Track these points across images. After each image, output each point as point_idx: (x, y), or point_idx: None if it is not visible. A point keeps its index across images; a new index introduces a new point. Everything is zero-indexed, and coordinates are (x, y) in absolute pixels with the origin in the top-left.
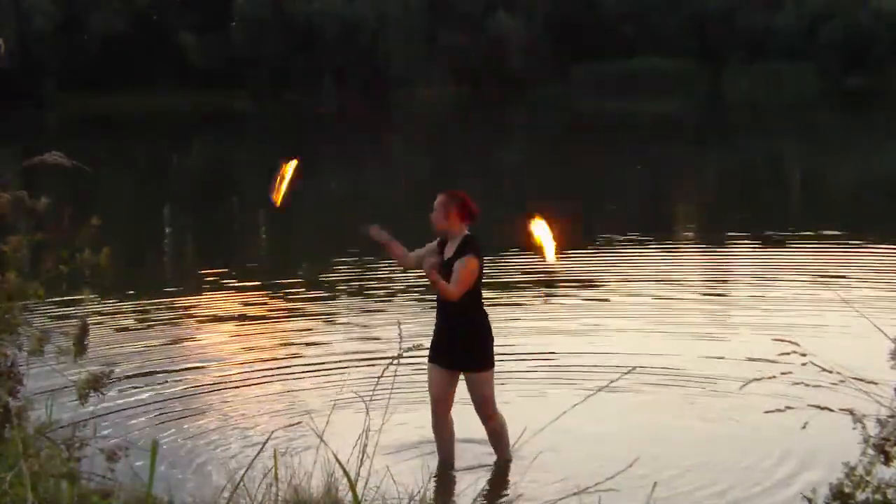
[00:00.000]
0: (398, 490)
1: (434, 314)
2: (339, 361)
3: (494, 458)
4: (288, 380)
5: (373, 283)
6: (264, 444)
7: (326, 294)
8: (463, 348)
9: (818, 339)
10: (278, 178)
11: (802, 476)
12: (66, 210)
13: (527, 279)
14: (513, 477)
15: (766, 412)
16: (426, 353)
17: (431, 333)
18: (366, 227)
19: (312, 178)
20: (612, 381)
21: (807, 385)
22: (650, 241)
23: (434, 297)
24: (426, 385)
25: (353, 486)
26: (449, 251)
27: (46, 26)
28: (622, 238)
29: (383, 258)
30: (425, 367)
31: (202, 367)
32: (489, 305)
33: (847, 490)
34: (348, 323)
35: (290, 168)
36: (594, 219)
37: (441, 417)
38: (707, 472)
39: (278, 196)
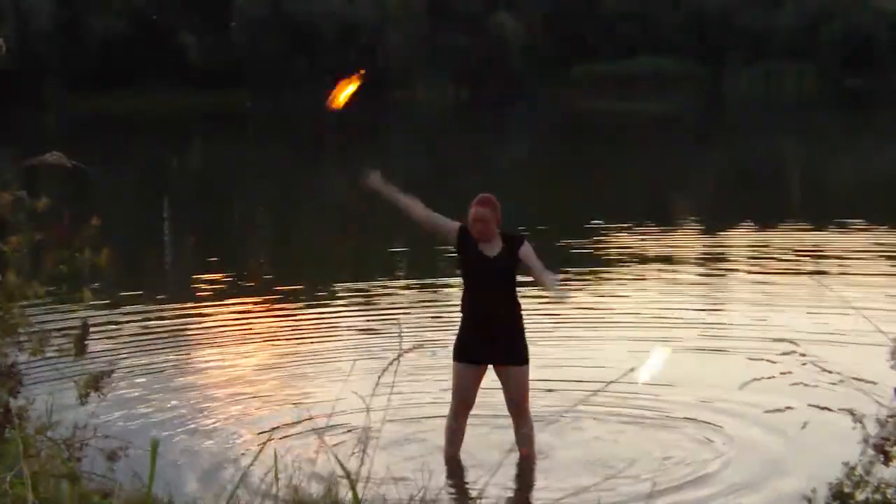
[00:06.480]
0: (398, 490)
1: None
2: (340, 361)
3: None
4: (288, 380)
5: (374, 283)
6: (264, 444)
7: (327, 293)
8: None
9: (818, 339)
10: (342, 85)
11: (802, 476)
12: (66, 210)
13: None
14: (512, 476)
15: (766, 412)
16: (426, 352)
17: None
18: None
19: (312, 178)
20: (609, 382)
21: (807, 385)
22: (649, 239)
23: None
24: (426, 384)
25: (353, 486)
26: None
27: (46, 26)
28: (620, 235)
29: (383, 258)
30: (426, 366)
31: (202, 367)
32: None
33: (847, 490)
34: (349, 322)
35: (354, 81)
36: (591, 218)
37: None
38: (706, 471)
39: (337, 100)
